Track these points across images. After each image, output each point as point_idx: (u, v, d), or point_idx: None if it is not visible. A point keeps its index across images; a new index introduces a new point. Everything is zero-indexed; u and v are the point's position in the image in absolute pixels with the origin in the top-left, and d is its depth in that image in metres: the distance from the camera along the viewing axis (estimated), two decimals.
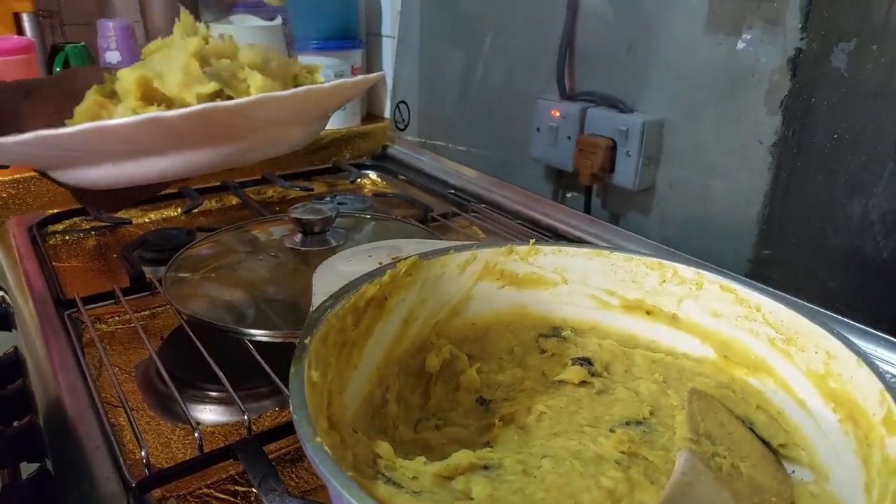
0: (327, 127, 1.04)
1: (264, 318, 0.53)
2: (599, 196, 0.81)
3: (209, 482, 0.40)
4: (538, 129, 0.84)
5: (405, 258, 0.40)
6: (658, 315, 0.42)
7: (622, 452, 0.31)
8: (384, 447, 0.31)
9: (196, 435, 0.39)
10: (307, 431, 0.25)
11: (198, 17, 0.99)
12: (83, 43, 1.03)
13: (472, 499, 0.29)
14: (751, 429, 0.36)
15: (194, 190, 0.84)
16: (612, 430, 0.34)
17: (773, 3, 0.62)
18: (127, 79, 0.33)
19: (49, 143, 0.30)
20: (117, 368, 0.52)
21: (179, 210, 0.82)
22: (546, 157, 0.84)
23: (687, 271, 0.41)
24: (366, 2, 1.11)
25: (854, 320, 0.56)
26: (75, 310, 0.56)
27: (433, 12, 1.01)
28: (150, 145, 0.32)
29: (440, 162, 0.98)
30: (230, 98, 0.33)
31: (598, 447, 0.32)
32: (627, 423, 0.34)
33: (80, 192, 0.39)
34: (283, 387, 0.43)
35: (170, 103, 0.33)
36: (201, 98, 0.33)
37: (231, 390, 0.43)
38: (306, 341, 0.32)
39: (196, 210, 0.82)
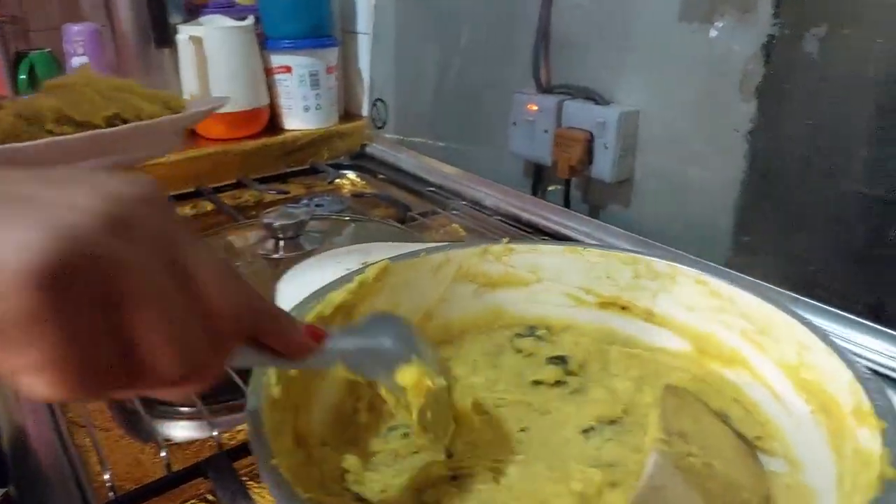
0: (305, 127, 1.04)
1: None
2: (579, 189, 0.81)
3: (180, 501, 0.39)
4: (514, 124, 0.83)
5: (374, 263, 0.40)
6: (634, 310, 0.42)
7: (593, 454, 0.31)
8: (351, 461, 0.31)
9: (163, 454, 0.39)
10: (263, 453, 0.24)
11: (166, 19, 0.97)
12: (49, 49, 1.01)
13: None
14: (726, 422, 0.35)
15: (168, 197, 0.82)
16: (584, 432, 0.33)
17: None
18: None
19: None
20: None
21: None
22: (524, 151, 0.83)
23: (660, 265, 0.41)
24: None
25: (836, 307, 0.56)
26: None
27: (408, 7, 1.00)
28: None
29: (419, 160, 0.97)
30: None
31: (569, 450, 0.31)
32: (600, 423, 0.34)
33: None
34: None
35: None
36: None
37: (200, 404, 0.42)
38: None
39: None
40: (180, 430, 0.45)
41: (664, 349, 0.40)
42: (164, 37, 0.97)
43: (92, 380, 0.18)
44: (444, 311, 0.43)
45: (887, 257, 0.54)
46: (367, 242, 0.48)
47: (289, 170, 0.97)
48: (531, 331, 0.42)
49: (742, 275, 0.40)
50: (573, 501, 0.27)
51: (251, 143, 0.98)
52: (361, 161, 1.03)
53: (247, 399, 0.27)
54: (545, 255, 0.43)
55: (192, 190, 0.86)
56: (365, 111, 1.12)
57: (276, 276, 0.60)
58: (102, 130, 0.59)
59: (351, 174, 0.99)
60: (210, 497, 0.39)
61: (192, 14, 1.02)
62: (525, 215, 0.78)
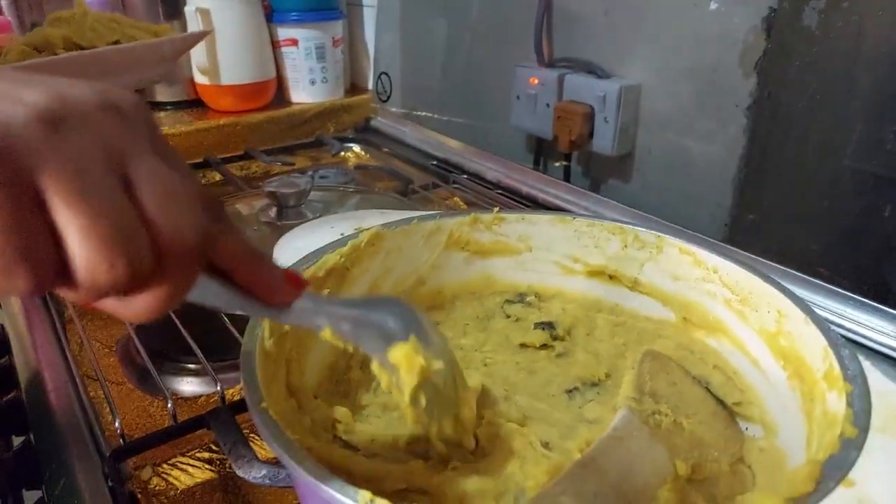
0: (311, 100, 1.04)
1: None
2: (580, 164, 0.81)
3: (183, 450, 0.41)
4: (518, 97, 0.84)
5: (368, 229, 0.41)
6: (620, 279, 0.43)
7: (576, 412, 0.32)
8: (342, 412, 0.32)
9: (169, 405, 0.40)
10: (253, 398, 0.26)
11: None
12: None
13: (427, 460, 0.30)
14: (707, 388, 0.37)
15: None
16: (567, 392, 0.35)
17: None
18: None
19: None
20: (98, 344, 0.53)
21: None
22: (526, 125, 0.83)
23: (647, 235, 0.42)
24: None
25: (835, 284, 0.56)
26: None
27: None
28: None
29: (423, 133, 0.98)
30: None
31: (547, 409, 0.32)
32: (584, 385, 0.35)
33: None
34: None
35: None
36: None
37: (205, 361, 0.44)
38: None
39: None
40: (186, 385, 0.48)
41: (649, 317, 0.42)
42: (173, 9, 0.98)
43: (24, 271, 0.18)
44: (435, 277, 0.45)
45: (887, 234, 0.54)
46: None
47: (295, 142, 0.98)
48: (521, 297, 0.44)
49: (728, 246, 0.40)
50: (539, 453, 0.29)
51: (258, 116, 0.99)
52: (366, 134, 1.04)
53: (242, 349, 0.29)
54: (534, 224, 0.44)
55: (200, 161, 0.87)
56: (370, 85, 1.13)
57: (276, 244, 0.62)
58: (108, 48, 0.65)
59: (356, 147, 1.00)
60: (213, 447, 0.41)
61: None
62: (525, 189, 0.78)
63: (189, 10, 0.94)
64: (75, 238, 0.18)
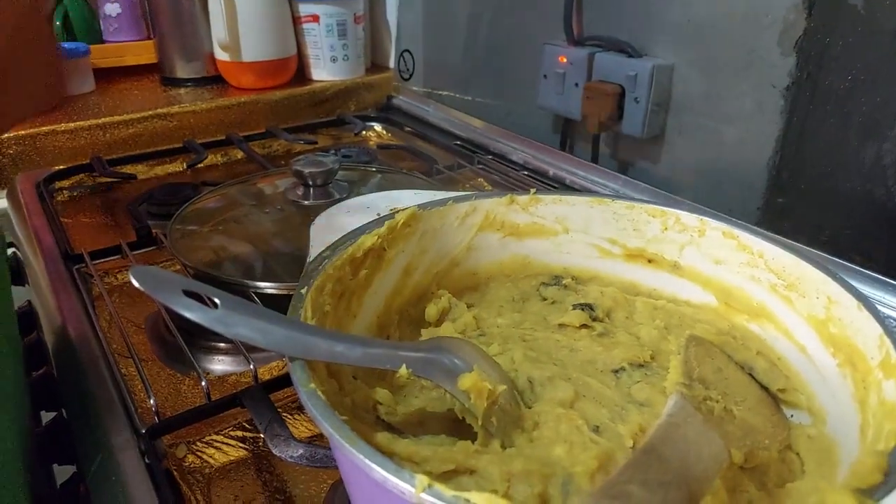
0: (332, 78, 1.03)
1: (269, 270, 0.53)
2: (608, 145, 0.80)
3: (217, 429, 0.41)
4: (545, 77, 0.82)
5: (404, 209, 0.40)
6: (660, 263, 0.42)
7: (626, 393, 0.32)
8: (383, 394, 0.32)
9: (203, 384, 0.40)
10: (301, 377, 0.26)
11: None
12: None
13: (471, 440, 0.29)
14: (750, 374, 0.36)
15: (199, 144, 0.84)
16: (614, 372, 0.34)
17: None
18: None
19: None
20: (126, 321, 0.53)
21: (185, 165, 0.82)
22: (553, 105, 0.82)
23: (689, 218, 0.41)
24: None
25: (867, 268, 0.55)
26: (83, 265, 0.57)
27: None
28: None
29: (445, 112, 0.97)
30: None
31: (597, 385, 0.32)
32: (630, 365, 0.34)
33: None
34: None
35: None
36: None
37: (236, 341, 0.44)
38: (303, 291, 0.32)
39: (201, 165, 0.81)
40: (219, 364, 0.47)
41: (689, 302, 0.41)
42: None
43: None
44: (470, 258, 0.44)
45: None
46: None
47: (317, 120, 0.97)
48: (557, 280, 0.43)
49: (771, 234, 0.39)
50: (588, 436, 0.28)
51: (279, 94, 0.98)
52: (388, 113, 1.02)
53: None
54: (572, 205, 0.43)
55: (222, 138, 0.87)
56: (392, 63, 1.11)
57: (304, 223, 0.61)
58: None
59: (377, 126, 0.99)
60: (246, 425, 0.41)
61: None
62: (552, 170, 0.77)
63: None
64: None
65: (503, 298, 0.42)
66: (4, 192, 0.74)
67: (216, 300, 0.27)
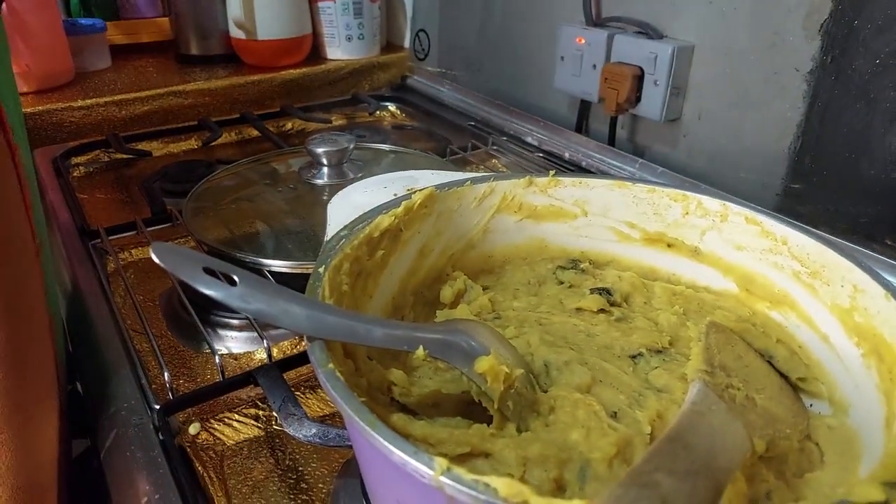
0: (347, 57, 1.02)
1: (282, 248, 0.53)
2: (625, 128, 0.79)
3: (231, 406, 0.41)
4: (562, 58, 0.81)
5: (421, 190, 0.40)
6: (680, 248, 0.41)
7: (644, 378, 0.31)
8: (397, 374, 0.32)
9: (217, 360, 0.40)
10: (320, 358, 0.25)
11: None
12: None
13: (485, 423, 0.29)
14: (770, 362, 0.35)
15: (214, 122, 0.83)
16: (632, 357, 0.34)
17: None
18: None
19: None
20: (141, 297, 0.53)
21: (199, 142, 0.82)
22: (570, 87, 0.81)
23: (712, 203, 0.40)
24: None
25: (888, 256, 0.54)
26: (99, 240, 0.57)
27: None
28: None
29: (460, 93, 0.96)
30: None
31: (615, 371, 0.32)
32: (648, 351, 0.34)
33: None
34: None
35: None
36: None
37: (251, 319, 0.44)
38: (320, 270, 0.32)
39: (215, 143, 0.81)
40: (232, 342, 0.47)
41: (709, 288, 0.40)
42: None
43: None
44: (486, 240, 0.43)
45: None
46: None
47: (330, 100, 0.96)
48: (574, 263, 0.42)
49: (795, 221, 0.38)
50: (604, 422, 0.28)
51: (294, 72, 0.98)
52: (402, 93, 1.01)
53: None
54: (591, 188, 0.43)
55: (237, 116, 0.87)
56: (407, 42, 1.10)
57: (318, 202, 0.61)
58: None
59: (392, 106, 0.98)
60: (259, 403, 0.41)
61: None
62: (568, 153, 0.76)
63: None
64: None
65: (519, 281, 0.42)
66: None
67: (235, 278, 0.26)
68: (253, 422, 0.41)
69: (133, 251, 0.59)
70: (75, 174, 0.75)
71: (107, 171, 0.77)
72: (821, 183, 0.61)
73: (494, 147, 0.80)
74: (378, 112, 0.95)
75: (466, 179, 0.42)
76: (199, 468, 0.36)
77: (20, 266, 0.36)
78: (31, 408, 0.35)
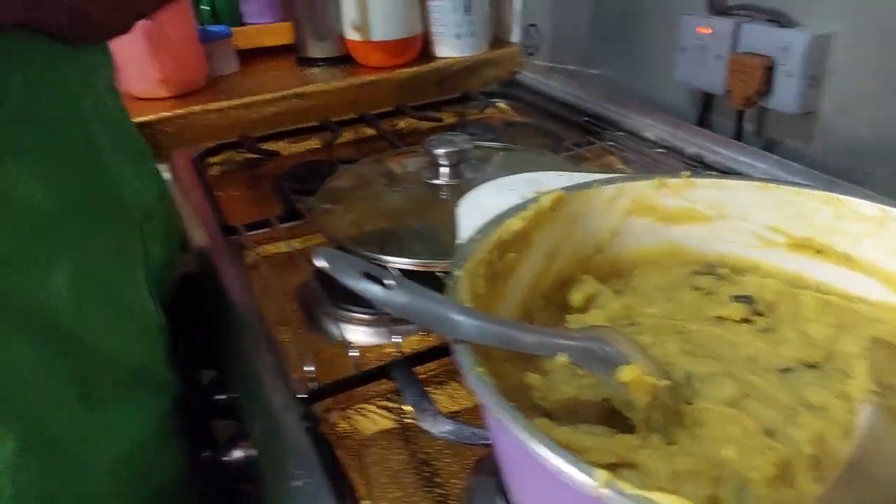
0: (456, 54, 1.03)
1: (407, 247, 0.55)
2: (752, 121, 0.75)
3: (365, 398, 0.43)
4: (683, 49, 0.78)
5: (549, 193, 0.40)
6: (830, 255, 0.39)
7: (797, 395, 0.30)
8: (535, 378, 0.32)
9: (353, 354, 0.43)
10: (468, 360, 0.26)
11: None
12: None
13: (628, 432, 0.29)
14: None
15: (334, 122, 0.87)
16: (781, 371, 0.32)
17: None
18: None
19: None
20: (278, 290, 0.56)
21: (321, 142, 0.86)
22: (692, 79, 0.78)
23: (867, 207, 0.37)
24: None
25: None
26: (238, 236, 0.62)
27: None
28: None
29: (572, 87, 0.94)
30: None
31: (764, 385, 0.30)
32: (800, 365, 0.32)
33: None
34: None
35: None
36: None
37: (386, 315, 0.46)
38: (457, 272, 0.33)
39: (336, 142, 0.85)
40: (362, 335, 0.50)
41: (864, 298, 0.37)
42: None
43: None
44: (615, 244, 0.43)
45: None
46: (524, 172, 0.48)
47: (442, 98, 0.98)
48: (711, 269, 0.41)
49: None
50: (757, 434, 0.27)
51: (406, 72, 1.00)
52: (512, 89, 1.01)
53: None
54: (730, 189, 0.41)
55: (354, 116, 0.90)
56: (515, 37, 1.10)
57: (437, 201, 0.62)
58: None
59: (502, 103, 0.98)
60: (392, 396, 0.43)
61: None
62: (691, 148, 0.73)
63: None
64: None
65: (651, 286, 0.41)
66: (167, 166, 0.81)
67: (391, 282, 0.28)
68: (386, 413, 0.42)
69: (268, 246, 0.63)
70: (212, 173, 0.81)
71: (240, 170, 0.82)
72: None
73: (611, 143, 0.78)
74: (488, 109, 0.95)
75: (593, 181, 0.42)
76: (343, 455, 0.39)
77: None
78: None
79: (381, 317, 0.49)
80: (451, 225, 0.38)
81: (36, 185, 0.36)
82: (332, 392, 0.42)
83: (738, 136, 0.74)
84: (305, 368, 0.42)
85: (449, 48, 1.04)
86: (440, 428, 0.37)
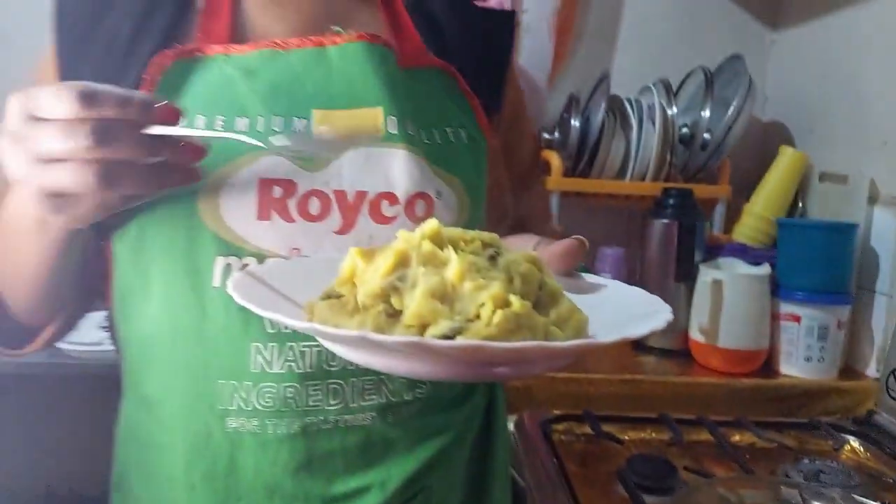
0: (802, 376, 1.02)
1: None
2: None
3: None
4: None
5: None
6: None
7: None
8: None
9: None
10: None
11: (692, 256, 1.11)
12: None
13: None
14: None
15: (675, 421, 0.91)
16: None
17: None
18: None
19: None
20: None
21: (655, 434, 0.90)
22: None
23: None
24: (862, 255, 1.08)
25: None
26: None
27: None
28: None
29: None
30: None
31: None
32: None
33: None
34: None
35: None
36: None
37: None
38: None
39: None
40: None
41: None
42: (686, 271, 1.11)
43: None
44: None
45: None
46: None
47: (785, 420, 0.96)
48: None
49: None
50: None
51: (746, 382, 1.02)
52: (868, 429, 0.95)
53: None
54: None
55: (692, 417, 0.93)
56: (871, 372, 1.05)
57: None
58: None
59: (855, 441, 0.92)
60: None
61: (711, 253, 1.15)
62: None
63: (703, 279, 1.06)
64: None
65: None
66: (514, 417, 0.93)
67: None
68: None
69: None
70: (555, 438, 0.90)
71: (577, 443, 0.90)
72: None
73: None
74: (843, 446, 0.90)
75: None
76: None
77: None
78: None
79: None
80: None
81: None
82: None
83: None
84: None
85: (796, 369, 1.04)
86: None
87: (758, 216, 1.24)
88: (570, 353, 0.37)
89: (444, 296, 0.37)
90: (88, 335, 1.10)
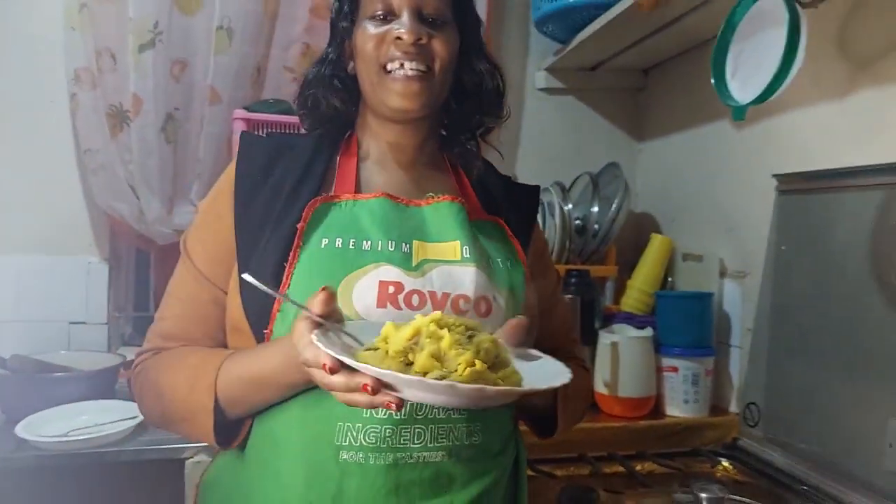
0: (682, 415, 1.29)
1: None
2: None
3: None
4: (890, 446, 0.94)
5: None
6: None
7: None
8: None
9: None
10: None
11: (594, 324, 1.38)
12: None
13: None
14: None
15: (592, 458, 1.14)
16: None
17: None
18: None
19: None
20: None
21: (579, 470, 1.12)
22: None
23: None
24: (718, 317, 1.40)
25: None
26: None
27: (779, 327, 1.22)
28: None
29: (790, 459, 1.12)
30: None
31: None
32: None
33: None
34: None
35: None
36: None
37: None
38: None
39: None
40: None
41: None
42: (589, 337, 1.37)
43: None
44: None
45: None
46: None
47: (674, 450, 1.22)
48: None
49: None
50: None
51: (642, 423, 1.27)
52: (735, 452, 1.22)
53: None
54: None
55: (604, 454, 1.16)
56: (733, 408, 1.34)
57: None
58: None
59: (726, 462, 1.18)
60: None
61: (606, 321, 1.42)
62: None
63: (604, 342, 1.33)
64: None
65: None
66: None
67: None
68: None
69: None
70: None
71: None
72: None
73: None
74: (717, 466, 1.16)
75: None
76: None
77: None
78: None
79: None
80: None
81: None
82: None
83: None
84: None
85: (678, 409, 1.31)
86: None
87: (638, 289, 1.54)
88: (506, 394, 0.58)
89: (438, 356, 0.58)
90: (55, 427, 1.15)
